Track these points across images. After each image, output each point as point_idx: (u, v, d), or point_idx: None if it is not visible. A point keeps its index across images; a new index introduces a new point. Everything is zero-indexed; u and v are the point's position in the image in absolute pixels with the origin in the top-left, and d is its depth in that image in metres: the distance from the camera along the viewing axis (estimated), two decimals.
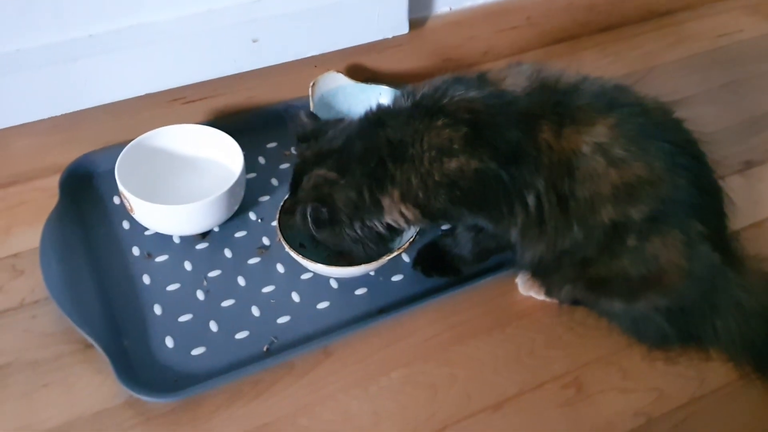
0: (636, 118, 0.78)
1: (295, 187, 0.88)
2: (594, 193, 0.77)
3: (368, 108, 0.86)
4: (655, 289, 0.81)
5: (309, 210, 0.82)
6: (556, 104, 0.78)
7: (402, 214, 0.82)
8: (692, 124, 0.83)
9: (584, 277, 0.83)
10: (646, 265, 0.78)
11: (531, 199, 0.78)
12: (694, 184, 0.78)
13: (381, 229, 0.84)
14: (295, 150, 0.89)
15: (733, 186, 0.84)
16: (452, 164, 0.78)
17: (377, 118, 0.83)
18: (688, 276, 0.79)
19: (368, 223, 0.83)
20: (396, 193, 0.81)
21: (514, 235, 0.82)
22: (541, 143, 0.77)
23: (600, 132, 0.76)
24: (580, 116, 0.77)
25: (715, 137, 0.83)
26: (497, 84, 0.81)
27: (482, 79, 0.82)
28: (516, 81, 0.81)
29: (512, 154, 0.77)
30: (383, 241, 0.87)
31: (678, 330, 0.85)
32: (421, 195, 0.80)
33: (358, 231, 0.84)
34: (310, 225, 0.84)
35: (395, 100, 0.85)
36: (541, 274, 0.86)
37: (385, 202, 0.82)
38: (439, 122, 0.78)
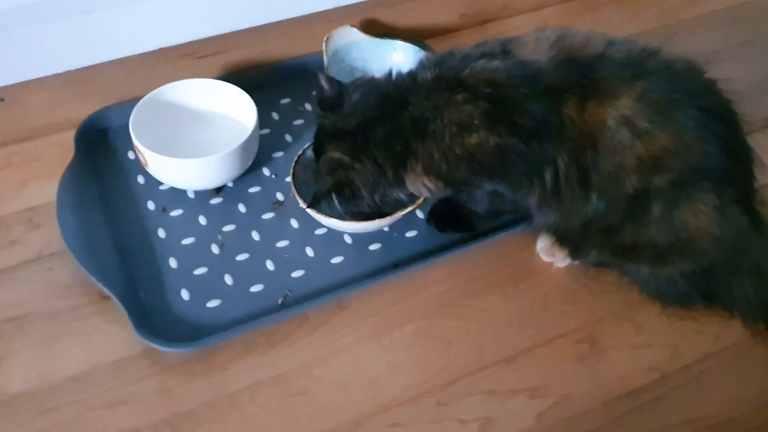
0: (663, 86, 0.76)
1: (318, 152, 0.88)
2: (618, 165, 0.76)
3: (389, 76, 0.84)
4: (684, 254, 0.80)
5: (334, 198, 0.84)
6: (581, 76, 0.77)
7: (425, 186, 0.83)
8: None
9: (611, 243, 0.82)
10: (676, 233, 0.78)
11: (548, 175, 0.78)
12: (724, 150, 0.77)
13: (402, 197, 0.86)
14: (316, 112, 0.88)
15: (755, 144, 0.82)
16: (472, 139, 0.78)
17: (400, 95, 0.81)
18: (718, 242, 0.78)
19: (388, 194, 0.85)
20: (419, 168, 0.81)
21: (532, 202, 0.83)
22: (564, 118, 0.76)
23: (625, 104, 0.75)
24: (605, 88, 0.76)
25: (735, 95, 0.81)
26: (520, 52, 0.79)
27: (505, 49, 0.80)
28: (539, 49, 0.79)
29: (534, 128, 0.77)
30: (401, 205, 0.88)
31: (699, 291, 0.85)
32: (444, 168, 0.80)
33: (378, 201, 0.85)
34: (338, 208, 0.85)
35: (418, 70, 0.83)
36: (567, 241, 0.86)
37: (409, 178, 0.83)
38: (459, 97, 0.78)
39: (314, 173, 0.89)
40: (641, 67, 0.77)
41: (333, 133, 0.85)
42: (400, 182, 0.83)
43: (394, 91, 0.82)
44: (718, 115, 0.78)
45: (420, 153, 0.80)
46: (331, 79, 0.87)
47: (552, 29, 0.82)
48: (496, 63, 0.78)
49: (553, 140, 0.77)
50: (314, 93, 0.90)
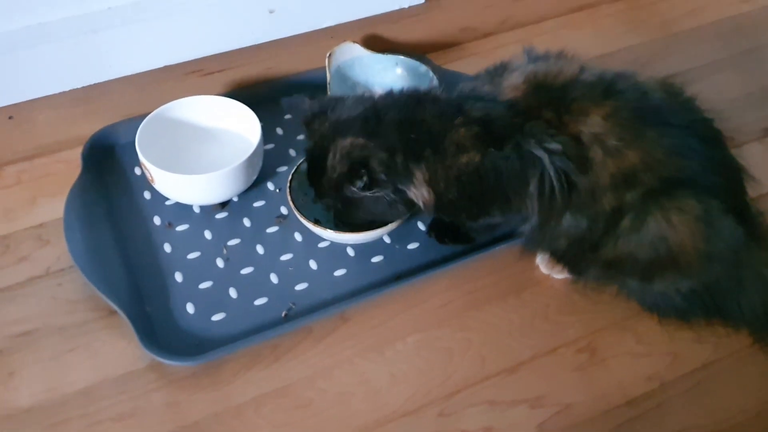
0: (633, 104, 0.78)
1: (315, 173, 0.87)
2: (594, 183, 0.78)
3: (399, 87, 0.88)
4: (671, 270, 0.81)
5: (352, 180, 0.82)
6: (552, 100, 0.79)
7: (423, 196, 0.84)
8: (712, 91, 0.82)
9: (597, 258, 0.83)
10: (655, 247, 0.78)
11: (534, 183, 0.80)
12: (703, 165, 0.77)
13: (411, 196, 0.84)
14: (305, 135, 0.89)
15: (752, 153, 0.83)
16: (463, 159, 0.81)
17: (418, 98, 0.85)
18: (707, 257, 0.78)
19: (400, 187, 0.84)
20: (427, 175, 0.83)
21: (532, 216, 0.83)
22: (547, 118, 0.79)
23: (595, 122, 0.77)
24: (575, 108, 0.78)
25: (735, 104, 0.83)
26: (504, 90, 0.83)
27: (497, 72, 0.85)
28: (515, 83, 0.82)
29: (515, 135, 0.79)
30: (411, 206, 0.87)
31: (701, 306, 0.84)
32: (442, 185, 0.83)
33: (392, 195, 0.84)
34: (357, 189, 0.83)
35: (433, 88, 0.88)
36: (564, 260, 0.88)
37: (417, 178, 0.83)
38: (458, 120, 0.81)
39: (318, 190, 0.88)
40: (611, 87, 0.79)
41: (336, 129, 0.84)
42: (408, 172, 0.82)
43: (406, 95, 0.86)
44: (695, 132, 0.79)
45: (431, 163, 0.82)
46: (312, 98, 0.89)
47: (536, 65, 0.84)
48: (489, 104, 0.82)
49: (537, 135, 0.78)
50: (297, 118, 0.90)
